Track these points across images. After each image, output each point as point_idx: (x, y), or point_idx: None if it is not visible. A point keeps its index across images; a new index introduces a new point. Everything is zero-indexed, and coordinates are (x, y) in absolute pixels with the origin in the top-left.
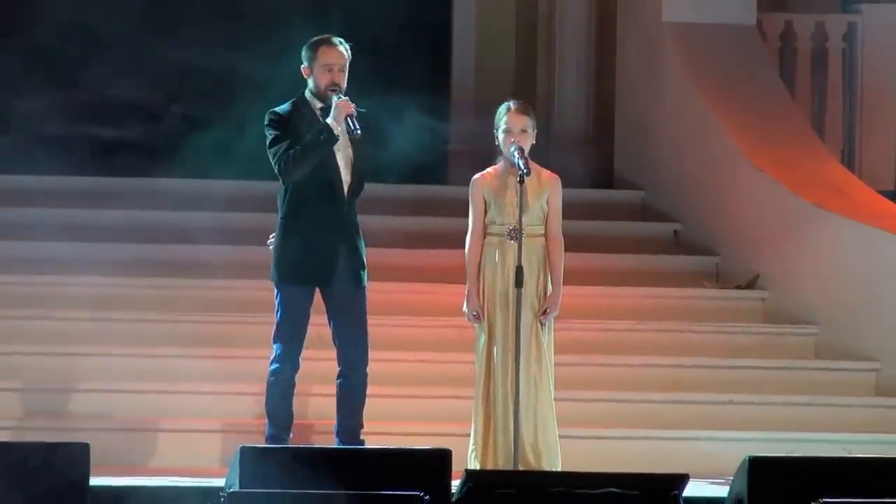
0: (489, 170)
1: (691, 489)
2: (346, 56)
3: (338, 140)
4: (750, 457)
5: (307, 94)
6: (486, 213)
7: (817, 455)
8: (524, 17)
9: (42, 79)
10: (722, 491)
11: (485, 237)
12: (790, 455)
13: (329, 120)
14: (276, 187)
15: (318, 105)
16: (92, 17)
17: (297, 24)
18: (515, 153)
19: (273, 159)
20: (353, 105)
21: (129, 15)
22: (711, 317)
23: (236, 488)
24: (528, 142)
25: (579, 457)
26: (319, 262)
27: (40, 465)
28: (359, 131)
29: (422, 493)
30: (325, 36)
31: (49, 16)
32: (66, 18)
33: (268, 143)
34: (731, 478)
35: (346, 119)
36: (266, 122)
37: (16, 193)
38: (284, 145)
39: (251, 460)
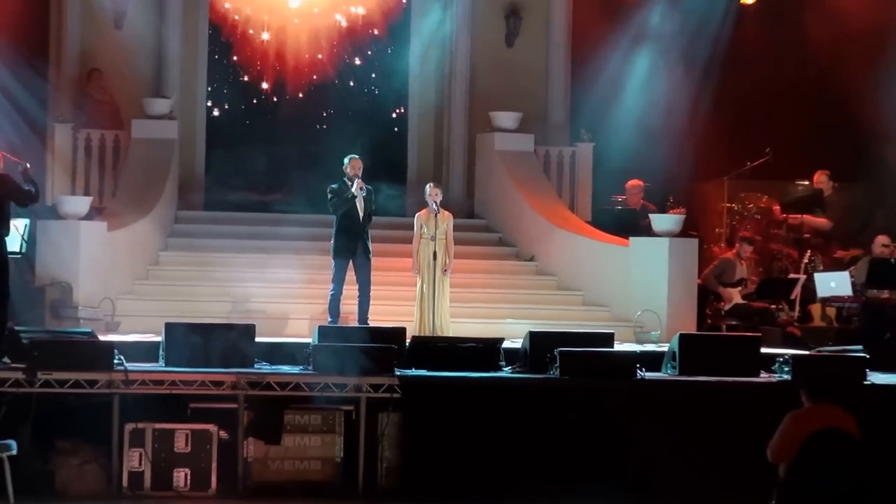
0: (423, 210)
1: (505, 345)
2: (361, 163)
3: (356, 198)
4: (530, 331)
5: (345, 178)
6: (421, 228)
7: (556, 331)
8: (437, 141)
9: (247, 173)
10: (517, 345)
11: (420, 239)
12: (548, 332)
13: (353, 190)
14: (331, 216)
15: (349, 182)
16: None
17: (344, 153)
18: (434, 203)
19: (329, 206)
20: (363, 183)
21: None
22: (516, 273)
23: (317, 343)
24: (439, 198)
25: (460, 331)
26: (352, 247)
27: (233, 334)
28: (364, 192)
29: (393, 345)
30: (353, 155)
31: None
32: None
33: (328, 200)
34: (522, 339)
35: (361, 188)
36: (328, 190)
37: (227, 220)
38: (333, 201)
39: (323, 332)
